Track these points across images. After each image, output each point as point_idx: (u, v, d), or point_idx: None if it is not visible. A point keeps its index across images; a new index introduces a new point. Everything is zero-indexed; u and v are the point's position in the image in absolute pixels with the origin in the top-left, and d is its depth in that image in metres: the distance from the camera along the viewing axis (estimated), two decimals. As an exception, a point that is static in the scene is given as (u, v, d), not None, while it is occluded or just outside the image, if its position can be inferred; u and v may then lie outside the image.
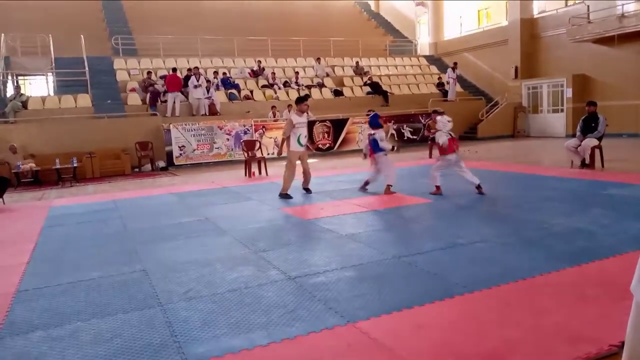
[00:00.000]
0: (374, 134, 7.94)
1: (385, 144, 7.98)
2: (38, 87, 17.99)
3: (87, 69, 15.64)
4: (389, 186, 7.82)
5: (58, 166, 11.71)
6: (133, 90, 15.21)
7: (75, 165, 11.86)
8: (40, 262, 4.96)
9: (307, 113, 8.59)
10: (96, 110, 14.80)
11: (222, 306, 3.49)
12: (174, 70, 16.00)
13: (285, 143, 8.05)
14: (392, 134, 8.20)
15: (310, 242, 5.15)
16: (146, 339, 3.03)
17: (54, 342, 3.06)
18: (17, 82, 15.98)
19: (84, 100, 15.05)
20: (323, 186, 8.93)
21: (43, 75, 17.01)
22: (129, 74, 17.04)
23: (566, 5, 19.04)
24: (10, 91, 15.02)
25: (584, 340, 2.72)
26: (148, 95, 15.20)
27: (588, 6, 17.12)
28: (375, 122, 8.08)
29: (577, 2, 18.63)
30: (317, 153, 15.69)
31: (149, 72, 16.50)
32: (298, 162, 8.12)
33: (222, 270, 4.34)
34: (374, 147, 7.90)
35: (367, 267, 4.20)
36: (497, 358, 2.60)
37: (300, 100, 8.09)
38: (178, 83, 15.56)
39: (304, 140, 8.09)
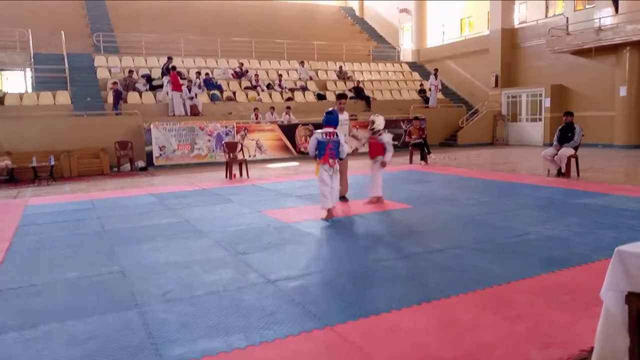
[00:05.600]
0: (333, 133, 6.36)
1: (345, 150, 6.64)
2: (16, 82, 17.64)
3: (66, 65, 15.40)
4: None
5: (34, 164, 11.49)
6: (112, 88, 14.98)
7: (52, 163, 11.66)
8: (14, 262, 4.87)
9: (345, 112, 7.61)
10: (75, 108, 14.57)
11: (201, 309, 3.48)
12: (174, 69, 15.85)
13: None
14: (355, 135, 7.43)
15: (290, 246, 5.16)
16: (123, 341, 3.00)
17: (27, 344, 3.02)
18: (-7, 77, 15.67)
19: (63, 97, 14.82)
20: (304, 189, 8.95)
21: (21, 70, 16.69)
22: (110, 72, 16.84)
23: (546, 17, 19.47)
24: (-14, 86, 14.73)
25: (556, 345, 2.79)
26: (111, 94, 15.01)
27: (567, 18, 17.53)
28: (334, 120, 6.47)
29: (556, 14, 19.07)
30: (298, 156, 15.71)
31: (130, 71, 16.33)
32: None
33: (200, 272, 4.32)
34: (336, 151, 6.40)
35: (346, 271, 4.23)
36: (471, 362, 2.65)
37: (337, 97, 7.66)
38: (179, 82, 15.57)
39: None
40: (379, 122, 7.40)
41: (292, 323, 3.19)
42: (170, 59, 16.43)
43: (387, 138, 7.34)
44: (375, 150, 7.39)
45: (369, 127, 7.48)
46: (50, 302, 3.72)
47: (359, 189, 8.20)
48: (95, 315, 3.42)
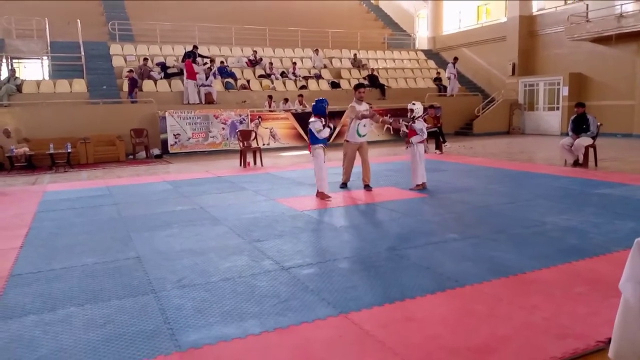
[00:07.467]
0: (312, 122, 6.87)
1: (324, 133, 6.85)
2: (33, 70, 17.84)
3: (83, 53, 15.51)
4: (320, 192, 7.03)
5: (52, 151, 11.65)
6: (128, 76, 15.09)
7: (69, 150, 11.81)
8: (33, 247, 4.95)
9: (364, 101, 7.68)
10: (91, 95, 14.70)
11: (216, 295, 3.51)
12: (188, 56, 15.92)
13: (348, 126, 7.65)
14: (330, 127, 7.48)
15: (304, 233, 5.18)
16: (139, 326, 3.05)
17: (47, 327, 3.07)
18: (11, 65, 15.82)
19: (79, 85, 14.94)
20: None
21: (38, 58, 16.86)
22: (125, 60, 16.92)
23: (565, 4, 19.05)
24: (4, 74, 14.89)
25: (572, 337, 2.77)
26: (127, 82, 15.09)
27: (587, 5, 17.14)
28: (320, 109, 6.88)
29: (576, 0, 18.65)
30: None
31: (145, 59, 16.39)
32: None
33: (215, 259, 4.36)
34: (311, 138, 6.95)
35: (360, 259, 4.23)
36: (487, 352, 2.64)
37: (355, 87, 7.70)
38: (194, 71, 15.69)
39: (363, 130, 7.54)
40: (418, 108, 7.56)
41: (306, 310, 3.21)
42: (195, 47, 16.62)
43: (420, 125, 7.51)
44: (412, 136, 7.57)
45: (409, 114, 7.58)
46: (69, 286, 3.78)
47: (378, 177, 8.17)
48: (113, 300, 3.47)
